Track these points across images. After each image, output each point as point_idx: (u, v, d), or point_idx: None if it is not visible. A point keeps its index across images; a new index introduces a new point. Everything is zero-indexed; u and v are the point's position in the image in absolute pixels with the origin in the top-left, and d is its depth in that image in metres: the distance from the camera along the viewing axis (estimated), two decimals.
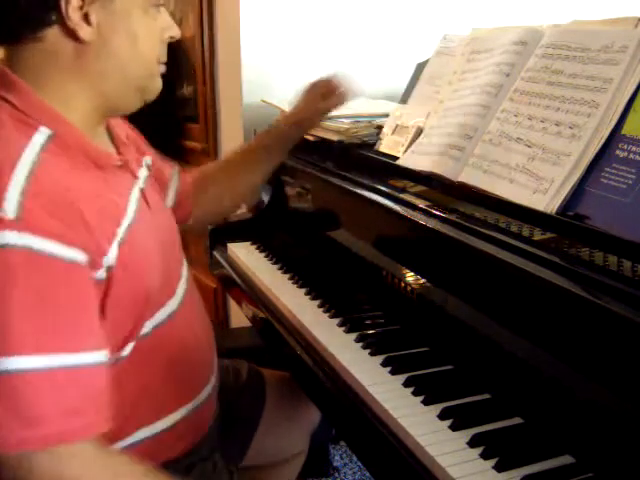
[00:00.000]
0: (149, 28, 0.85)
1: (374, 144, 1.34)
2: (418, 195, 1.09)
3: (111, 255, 0.79)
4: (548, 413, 0.81)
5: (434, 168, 1.10)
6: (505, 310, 0.88)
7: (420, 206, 1.04)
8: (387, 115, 1.35)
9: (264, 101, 1.64)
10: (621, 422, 0.70)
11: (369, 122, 1.40)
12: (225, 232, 1.58)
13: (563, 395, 0.78)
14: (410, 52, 1.78)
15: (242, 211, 1.61)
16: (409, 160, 1.18)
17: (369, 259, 1.21)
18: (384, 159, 1.26)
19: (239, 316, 1.91)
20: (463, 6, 1.92)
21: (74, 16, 0.77)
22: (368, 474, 1.70)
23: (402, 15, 1.92)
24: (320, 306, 1.16)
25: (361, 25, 1.90)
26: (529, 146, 0.96)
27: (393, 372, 0.93)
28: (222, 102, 2.01)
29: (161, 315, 0.90)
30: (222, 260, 1.51)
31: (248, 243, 1.53)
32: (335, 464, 1.90)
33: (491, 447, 0.76)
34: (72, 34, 0.79)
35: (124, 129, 1.01)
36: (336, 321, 1.10)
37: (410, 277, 1.09)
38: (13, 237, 0.69)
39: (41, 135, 0.78)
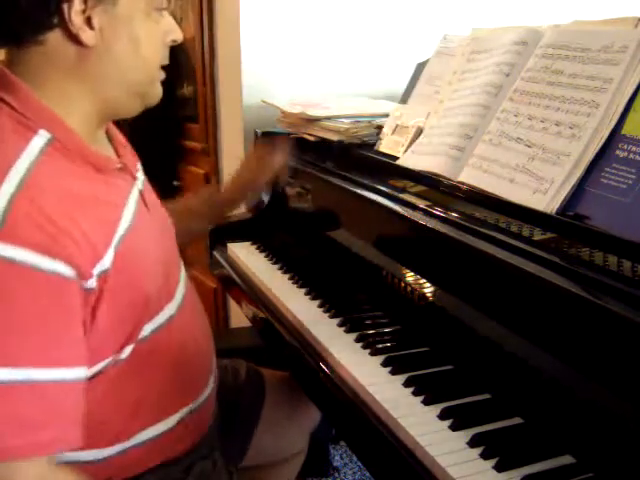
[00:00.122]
0: (152, 32, 0.85)
1: (374, 144, 1.34)
2: (418, 195, 1.09)
3: (107, 260, 0.78)
4: (548, 413, 0.81)
5: (434, 168, 1.10)
6: (505, 310, 0.88)
7: (420, 206, 1.04)
8: (387, 115, 1.35)
9: (264, 101, 1.64)
10: (621, 422, 0.70)
11: (369, 122, 1.40)
12: (225, 232, 1.58)
13: (563, 395, 0.78)
14: (410, 52, 1.78)
15: (242, 211, 1.61)
16: (409, 160, 1.18)
17: (369, 259, 1.21)
18: (384, 159, 1.26)
19: (239, 316, 1.91)
20: (463, 6, 1.92)
21: (76, 20, 0.77)
22: (368, 474, 1.70)
23: (402, 15, 1.92)
24: (320, 306, 1.16)
25: (361, 25, 1.90)
26: (529, 146, 0.96)
27: (393, 372, 0.93)
28: (222, 102, 2.01)
29: (160, 319, 0.90)
30: (222, 260, 1.51)
31: (248, 243, 1.53)
32: (335, 464, 1.90)
33: (491, 447, 0.76)
34: (74, 38, 0.78)
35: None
36: (336, 321, 1.10)
37: (410, 277, 1.09)
38: None
39: (40, 138, 0.78)
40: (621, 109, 0.87)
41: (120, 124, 0.93)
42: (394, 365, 0.94)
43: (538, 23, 1.12)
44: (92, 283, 0.77)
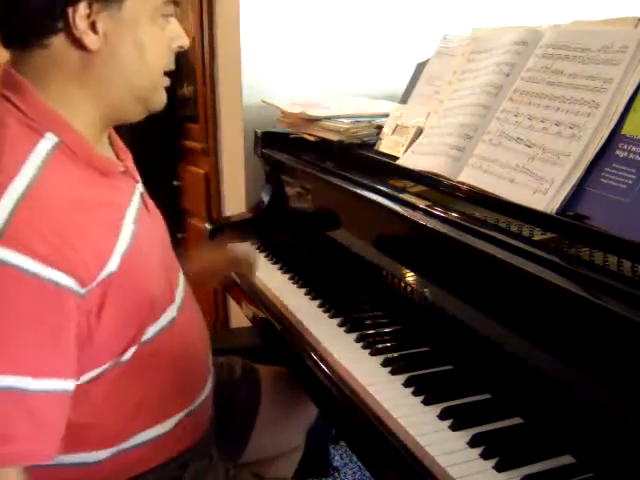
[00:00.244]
0: (157, 38, 0.84)
1: (374, 144, 1.34)
2: (418, 195, 1.09)
3: (112, 263, 0.78)
4: (548, 413, 0.81)
5: (434, 168, 1.10)
6: (505, 310, 0.88)
7: (420, 206, 1.04)
8: (387, 115, 1.35)
9: (264, 101, 1.64)
10: (621, 422, 0.70)
11: (369, 122, 1.40)
12: (225, 232, 1.58)
13: (563, 395, 0.78)
14: (410, 52, 1.78)
15: (242, 211, 1.61)
16: (409, 160, 1.18)
17: (369, 259, 1.21)
18: (384, 159, 1.26)
19: (239, 316, 1.91)
20: (463, 6, 1.92)
21: (81, 25, 0.77)
22: (368, 474, 1.70)
23: (402, 15, 1.92)
24: (320, 306, 1.16)
25: (361, 25, 1.90)
26: (529, 146, 0.96)
27: (393, 372, 0.93)
28: (222, 102, 2.01)
29: (162, 321, 0.90)
30: None
31: (248, 243, 1.53)
32: (335, 464, 1.90)
33: (491, 447, 0.76)
34: (78, 42, 0.78)
35: None
36: (336, 321, 1.10)
37: (410, 277, 1.09)
38: None
39: (47, 141, 0.78)
40: (621, 109, 0.87)
41: (120, 124, 0.93)
42: (394, 365, 0.94)
43: (538, 23, 1.12)
44: (95, 287, 0.76)
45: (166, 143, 2.34)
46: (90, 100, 0.83)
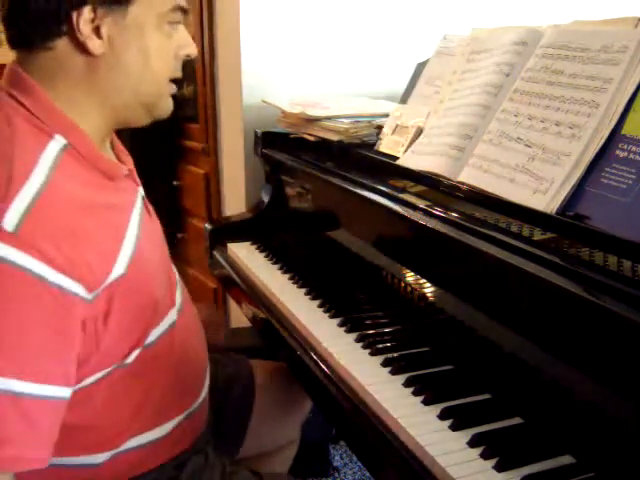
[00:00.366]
0: (162, 45, 0.84)
1: (374, 144, 1.34)
2: (418, 195, 1.09)
3: (119, 267, 0.78)
4: (548, 413, 0.81)
5: (434, 168, 1.10)
6: (505, 310, 0.88)
7: (420, 206, 1.04)
8: (387, 115, 1.35)
9: (264, 101, 1.64)
10: (621, 422, 0.70)
11: (369, 122, 1.40)
12: (225, 232, 1.58)
13: (563, 395, 0.78)
14: (410, 52, 1.78)
15: (242, 211, 1.61)
16: (409, 160, 1.18)
17: (369, 259, 1.21)
18: (384, 159, 1.25)
19: (239, 316, 1.91)
20: (463, 6, 1.92)
21: (85, 29, 0.77)
22: (368, 474, 1.70)
23: (402, 15, 1.92)
24: (320, 306, 1.16)
25: (361, 25, 1.90)
26: (529, 146, 0.96)
27: (393, 372, 0.93)
28: (222, 102, 2.01)
29: (164, 324, 0.90)
30: (222, 260, 1.51)
31: (248, 243, 1.53)
32: (335, 464, 1.90)
33: (491, 447, 0.76)
34: (82, 47, 0.78)
35: None
36: (336, 321, 1.10)
37: (410, 277, 1.09)
38: (5, 251, 0.67)
39: (56, 143, 0.78)
40: (621, 109, 0.87)
41: (124, 129, 0.93)
42: (394, 365, 0.94)
43: (538, 23, 1.12)
44: (101, 293, 0.76)
45: (166, 143, 2.34)
46: (94, 104, 0.83)
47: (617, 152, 0.86)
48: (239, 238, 1.55)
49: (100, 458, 0.87)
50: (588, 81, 0.93)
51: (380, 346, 1.00)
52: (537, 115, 0.98)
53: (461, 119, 1.11)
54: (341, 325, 1.08)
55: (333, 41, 1.89)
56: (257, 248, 1.50)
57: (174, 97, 0.91)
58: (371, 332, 1.06)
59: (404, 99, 1.42)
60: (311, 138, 1.46)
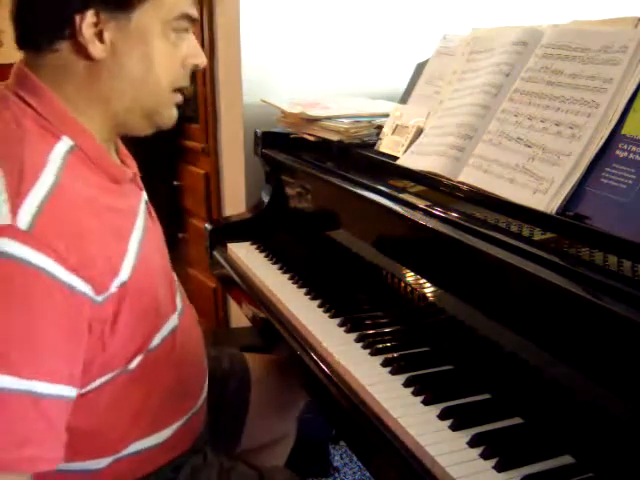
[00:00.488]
0: (167, 53, 0.83)
1: (374, 144, 1.34)
2: (418, 195, 1.09)
3: (125, 271, 0.78)
4: (548, 413, 0.81)
5: (434, 168, 1.10)
6: (505, 310, 0.88)
7: (420, 206, 1.04)
8: (387, 115, 1.35)
9: (264, 101, 1.64)
10: (621, 422, 0.70)
11: (369, 122, 1.40)
12: (225, 232, 1.58)
13: (563, 395, 0.78)
14: (410, 52, 1.78)
15: (242, 211, 1.61)
16: (409, 160, 1.18)
17: (369, 259, 1.21)
18: (384, 159, 1.26)
19: (239, 316, 1.91)
20: (463, 6, 1.92)
21: (87, 33, 0.77)
22: (368, 474, 1.70)
23: (402, 15, 1.92)
24: (320, 306, 1.16)
25: (361, 25, 1.90)
26: (529, 146, 0.96)
27: (393, 372, 0.93)
28: (222, 102, 2.01)
29: (166, 328, 0.90)
30: (222, 260, 1.51)
31: (248, 243, 1.53)
32: (335, 464, 1.90)
33: (491, 447, 0.76)
34: (84, 50, 0.78)
35: None
36: (336, 321, 1.10)
37: (410, 277, 1.09)
38: (19, 249, 0.67)
39: (63, 145, 0.78)
40: (621, 109, 0.87)
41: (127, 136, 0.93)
42: (394, 365, 0.94)
43: (538, 23, 1.12)
44: (110, 295, 0.76)
45: (166, 143, 2.34)
46: (97, 109, 0.83)
47: (617, 152, 0.86)
48: (239, 238, 1.55)
49: (101, 463, 0.87)
50: (588, 81, 0.93)
51: (380, 346, 1.00)
52: (537, 115, 0.98)
53: (461, 119, 1.11)
54: (341, 325, 1.08)
55: (333, 41, 1.89)
56: (257, 248, 1.50)
57: None
58: (371, 332, 1.06)
59: (404, 99, 1.42)
60: (311, 138, 1.46)
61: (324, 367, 1.00)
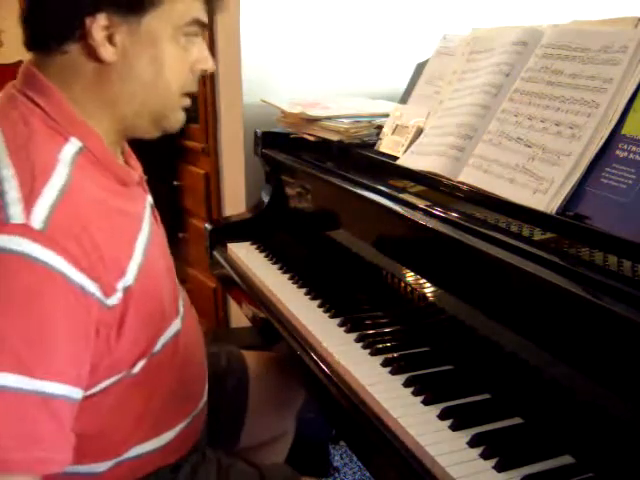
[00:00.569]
0: (177, 58, 0.83)
1: (374, 144, 1.34)
2: (418, 195, 1.09)
3: (131, 274, 0.78)
4: (548, 413, 0.81)
5: (434, 168, 1.10)
6: (505, 310, 0.88)
7: (420, 206, 1.04)
8: (387, 115, 1.36)
9: (264, 101, 1.64)
10: (621, 422, 0.70)
11: (369, 122, 1.40)
12: (225, 232, 1.58)
13: (563, 395, 0.78)
14: (410, 52, 1.78)
15: (242, 211, 1.61)
16: (409, 160, 1.18)
17: (369, 259, 1.21)
18: (384, 159, 1.26)
19: (239, 316, 1.91)
20: (463, 6, 1.92)
21: (98, 35, 0.77)
22: (368, 474, 1.70)
23: (402, 15, 1.92)
24: (320, 306, 1.16)
25: (361, 25, 1.90)
26: (529, 146, 0.96)
27: (393, 372, 0.93)
28: (222, 102, 2.01)
29: (170, 332, 0.90)
30: (222, 260, 1.51)
31: (248, 243, 1.53)
32: (335, 464, 1.90)
33: (491, 447, 0.76)
34: (94, 53, 0.78)
35: None
36: (336, 321, 1.10)
37: (410, 277, 1.09)
38: (34, 248, 0.67)
39: (72, 146, 0.78)
40: (621, 109, 0.87)
41: (134, 139, 0.93)
42: (394, 365, 0.94)
43: (538, 23, 1.12)
44: (117, 299, 0.76)
45: (166, 143, 2.34)
46: (106, 111, 0.83)
47: (617, 152, 0.86)
48: (239, 238, 1.55)
49: (103, 467, 0.86)
50: (588, 81, 0.93)
51: (380, 346, 1.00)
52: (537, 115, 0.98)
53: (461, 119, 1.11)
54: (341, 325, 1.08)
55: (333, 41, 1.89)
56: (257, 248, 1.50)
57: None
58: (371, 332, 1.06)
59: (404, 99, 1.42)
60: (311, 138, 1.46)
61: (324, 367, 1.00)
